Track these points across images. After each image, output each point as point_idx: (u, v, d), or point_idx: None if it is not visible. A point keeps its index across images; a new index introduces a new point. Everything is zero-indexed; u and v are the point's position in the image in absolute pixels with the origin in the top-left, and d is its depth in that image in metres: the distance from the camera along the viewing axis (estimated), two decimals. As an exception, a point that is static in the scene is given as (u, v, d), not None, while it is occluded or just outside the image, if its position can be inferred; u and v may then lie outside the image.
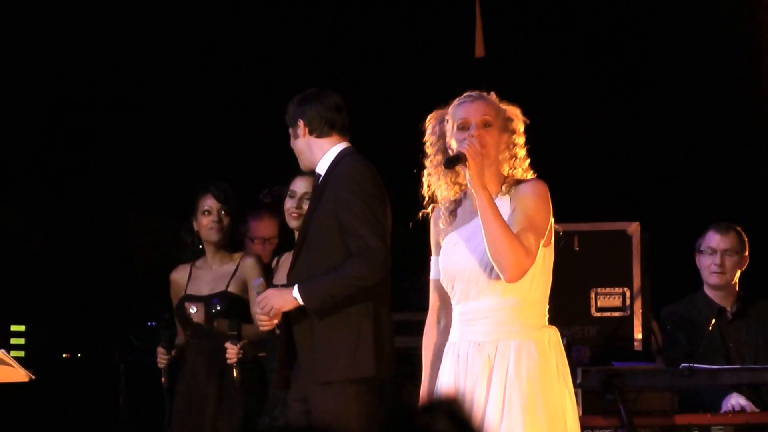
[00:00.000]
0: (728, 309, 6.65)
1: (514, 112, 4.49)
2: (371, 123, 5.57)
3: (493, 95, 4.50)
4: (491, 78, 4.39)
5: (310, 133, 5.54)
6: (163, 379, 6.23)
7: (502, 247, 4.22)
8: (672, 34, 8.48)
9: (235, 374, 6.05)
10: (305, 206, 5.99)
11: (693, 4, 8.41)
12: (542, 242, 4.32)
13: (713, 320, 6.55)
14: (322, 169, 5.53)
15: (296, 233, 6.06)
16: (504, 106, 4.49)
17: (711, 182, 8.33)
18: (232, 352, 6.04)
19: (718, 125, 8.36)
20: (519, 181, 4.41)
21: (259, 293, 5.55)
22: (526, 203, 4.29)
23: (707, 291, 6.70)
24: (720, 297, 6.67)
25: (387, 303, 5.48)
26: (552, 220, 4.37)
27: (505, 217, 4.29)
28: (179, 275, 6.41)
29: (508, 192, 4.39)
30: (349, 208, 5.36)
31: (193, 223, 6.38)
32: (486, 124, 4.39)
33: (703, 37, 8.41)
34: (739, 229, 6.68)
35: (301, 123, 5.55)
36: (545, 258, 4.34)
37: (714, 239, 6.62)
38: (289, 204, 6.06)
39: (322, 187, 5.50)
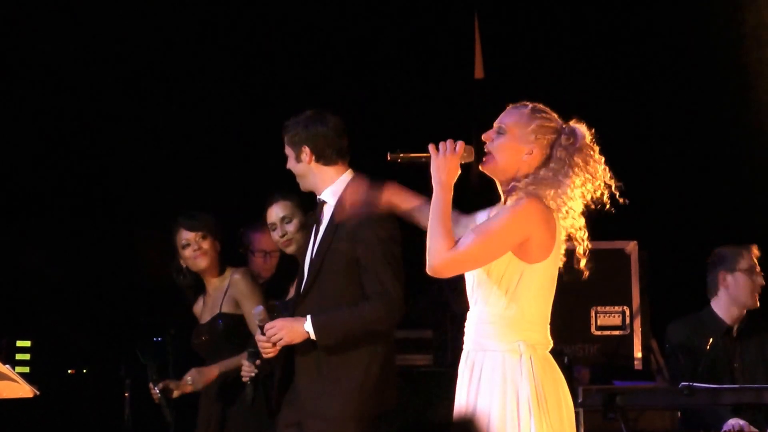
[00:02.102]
0: (734, 327, 6.65)
1: (561, 132, 4.35)
2: (370, 145, 5.54)
3: (541, 108, 4.38)
4: (490, 99, 4.37)
5: (317, 160, 5.42)
6: (166, 413, 6.20)
7: (429, 235, 4.28)
8: (669, 57, 8.51)
9: (248, 391, 6.02)
10: (289, 228, 5.92)
11: (691, 30, 8.43)
12: (516, 257, 4.27)
13: (710, 339, 6.53)
14: (327, 197, 5.42)
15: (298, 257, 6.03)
16: (548, 123, 4.35)
17: (708, 201, 8.34)
18: (247, 369, 6.02)
19: (715, 144, 8.38)
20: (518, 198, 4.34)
21: (260, 321, 5.45)
22: (499, 212, 4.31)
23: (716, 309, 6.67)
24: (729, 316, 6.66)
25: (392, 339, 5.40)
26: (536, 237, 4.30)
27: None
28: (197, 308, 6.44)
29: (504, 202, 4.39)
30: (369, 249, 5.26)
31: (180, 262, 6.39)
32: (499, 131, 4.38)
33: (699, 61, 8.44)
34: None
35: (306, 149, 5.41)
36: (524, 274, 4.30)
37: (751, 258, 6.60)
38: (276, 236, 5.97)
39: (335, 221, 5.36)
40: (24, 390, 5.30)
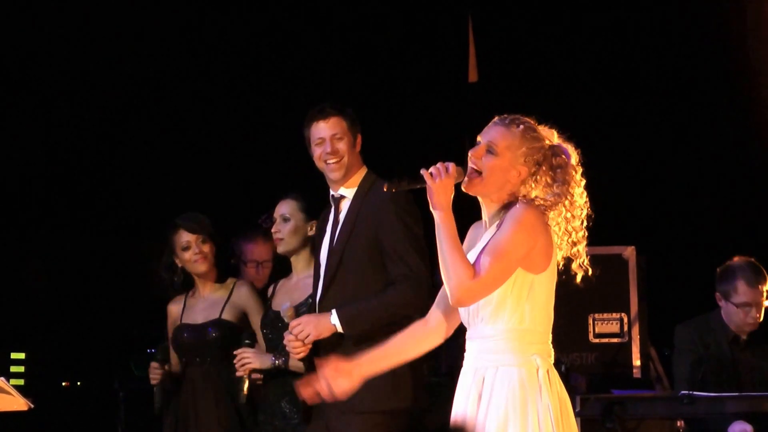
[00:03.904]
0: (742, 336, 6.57)
1: (554, 151, 4.32)
2: (363, 149, 5.53)
3: (531, 126, 4.34)
4: (484, 103, 4.35)
5: (360, 151, 5.44)
6: (155, 400, 6.14)
7: (445, 267, 4.22)
8: (665, 62, 8.51)
9: (245, 389, 5.90)
10: (283, 228, 5.86)
11: (687, 35, 8.43)
12: (522, 269, 4.25)
13: (710, 348, 6.48)
14: (347, 191, 5.40)
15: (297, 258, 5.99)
16: (538, 143, 4.32)
17: (707, 204, 8.32)
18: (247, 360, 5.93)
19: (714, 147, 8.37)
20: (511, 205, 4.34)
21: (288, 319, 5.44)
22: (502, 228, 4.27)
23: (723, 315, 6.56)
24: (733, 325, 6.57)
25: None
26: (539, 245, 4.28)
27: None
28: (175, 306, 6.38)
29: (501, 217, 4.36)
30: (393, 233, 5.22)
31: (174, 261, 6.36)
32: (489, 151, 4.34)
33: (697, 64, 8.43)
34: (763, 269, 6.50)
35: (360, 138, 5.44)
36: (533, 285, 4.27)
37: (747, 293, 6.43)
38: (273, 229, 5.94)
39: (355, 211, 5.33)
40: (18, 403, 5.28)
